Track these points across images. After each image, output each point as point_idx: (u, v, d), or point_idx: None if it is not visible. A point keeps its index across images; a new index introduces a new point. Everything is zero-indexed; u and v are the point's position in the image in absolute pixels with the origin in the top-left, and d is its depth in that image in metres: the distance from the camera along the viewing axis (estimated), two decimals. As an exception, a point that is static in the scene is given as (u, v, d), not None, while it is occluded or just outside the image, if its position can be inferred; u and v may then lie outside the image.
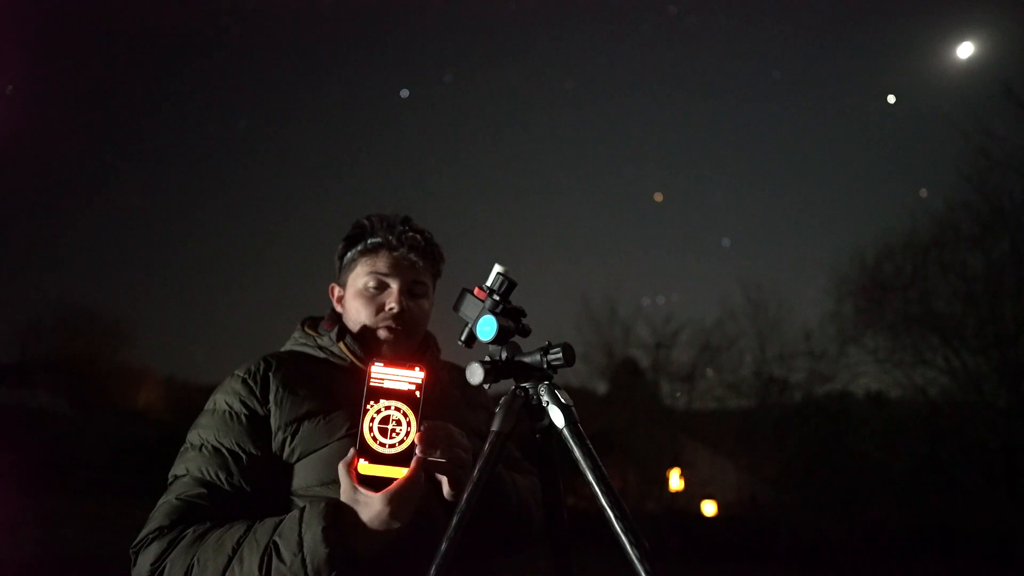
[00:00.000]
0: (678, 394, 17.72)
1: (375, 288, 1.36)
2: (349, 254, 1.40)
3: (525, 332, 1.22)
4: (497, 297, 1.19)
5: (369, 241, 1.37)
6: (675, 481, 16.57)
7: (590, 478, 1.05)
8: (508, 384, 1.18)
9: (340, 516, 1.07)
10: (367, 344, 1.36)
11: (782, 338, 15.98)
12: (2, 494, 12.20)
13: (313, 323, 1.46)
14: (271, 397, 1.26)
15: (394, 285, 1.36)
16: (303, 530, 1.05)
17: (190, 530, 1.12)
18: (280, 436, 1.23)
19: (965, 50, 13.30)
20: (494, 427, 1.12)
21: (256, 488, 1.19)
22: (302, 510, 1.09)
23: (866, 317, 13.90)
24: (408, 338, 1.39)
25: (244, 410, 1.25)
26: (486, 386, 1.16)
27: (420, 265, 1.39)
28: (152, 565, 1.11)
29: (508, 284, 1.19)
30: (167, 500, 1.18)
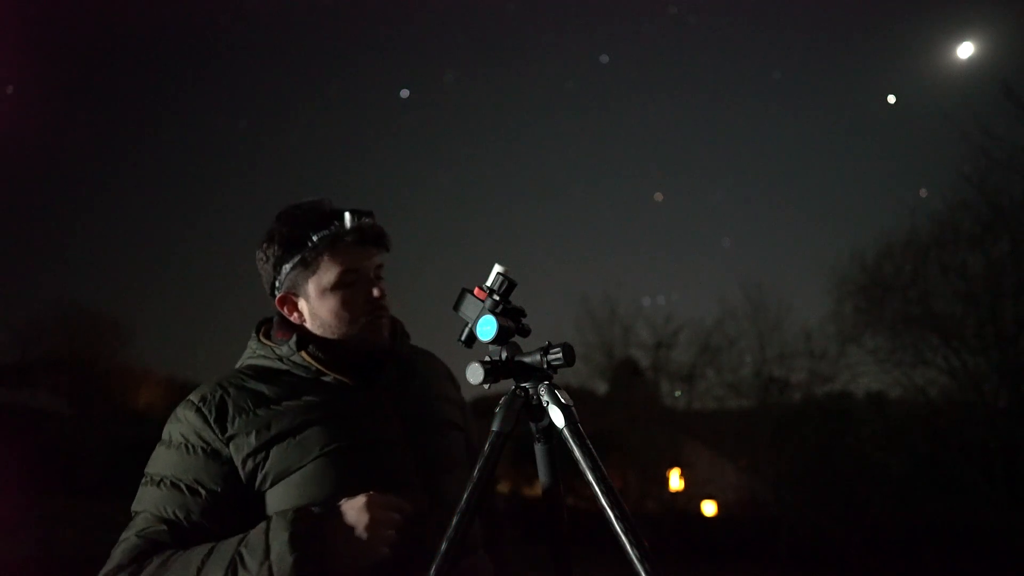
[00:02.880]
0: (678, 393, 17.73)
1: (348, 284, 1.26)
2: (296, 256, 1.25)
3: (525, 332, 1.22)
4: (497, 297, 1.18)
5: (318, 236, 1.23)
6: (675, 481, 16.58)
7: (590, 478, 1.05)
8: (508, 384, 1.18)
9: (309, 525, 1.05)
10: (332, 350, 1.28)
11: (782, 338, 15.98)
12: (2, 494, 12.19)
13: (268, 330, 1.36)
14: (230, 426, 1.18)
15: (366, 273, 1.29)
16: (270, 538, 1.03)
17: (152, 561, 1.08)
18: (249, 464, 1.16)
19: (965, 50, 13.30)
20: (494, 427, 1.12)
21: (220, 524, 1.13)
22: (268, 520, 1.08)
23: (866, 317, 13.89)
24: (388, 327, 1.35)
25: (201, 443, 1.18)
26: (486, 386, 1.16)
27: (377, 248, 1.31)
28: None
29: (508, 284, 1.19)
30: (127, 537, 1.13)
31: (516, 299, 1.21)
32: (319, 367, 1.26)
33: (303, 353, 1.26)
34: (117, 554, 1.11)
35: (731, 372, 16.71)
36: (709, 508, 16.42)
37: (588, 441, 1.08)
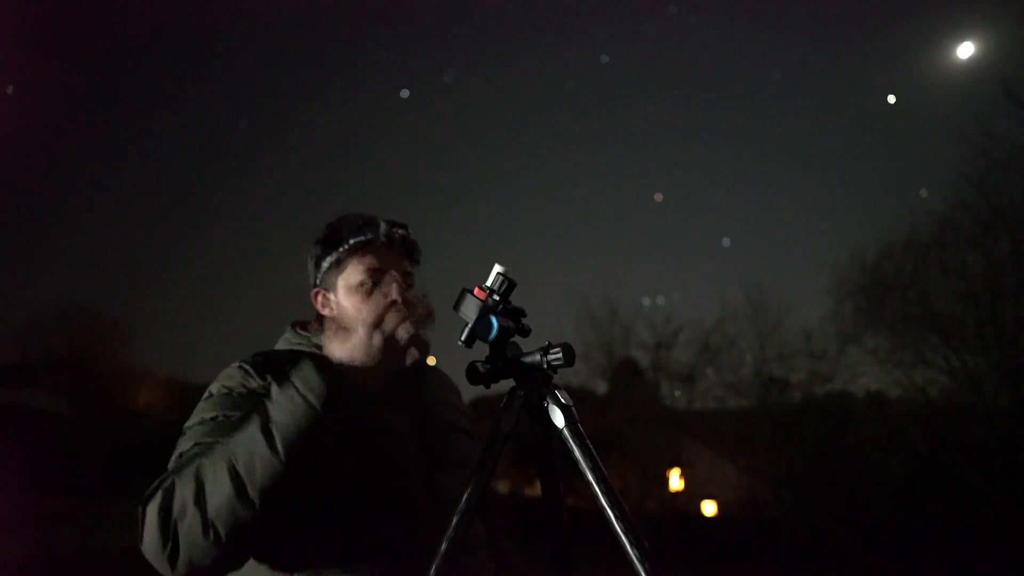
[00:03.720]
0: (677, 393, 17.75)
1: (372, 284, 1.35)
2: (332, 256, 1.39)
3: (525, 332, 1.22)
4: (497, 297, 1.19)
5: (353, 240, 1.37)
6: (675, 481, 16.59)
7: (590, 478, 1.04)
8: (508, 384, 1.19)
9: (323, 356, 1.13)
10: None
11: (782, 338, 16.01)
12: (2, 494, 12.20)
13: (304, 325, 1.46)
14: (275, 377, 1.23)
15: (391, 278, 1.36)
16: (292, 377, 1.08)
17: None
18: None
19: (965, 50, 13.32)
20: (493, 427, 1.12)
21: None
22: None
23: (866, 317, 13.91)
24: None
25: (243, 388, 1.25)
26: (486, 386, 1.16)
27: (407, 258, 1.42)
28: (160, 507, 1.05)
29: (508, 284, 1.19)
30: (170, 465, 1.19)
31: (516, 299, 1.21)
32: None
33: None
34: (161, 476, 1.14)
35: (731, 372, 16.74)
36: (709, 508, 16.43)
37: (588, 441, 1.08)
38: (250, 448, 1.03)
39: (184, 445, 1.20)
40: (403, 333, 1.28)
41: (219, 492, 1.01)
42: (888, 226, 19.65)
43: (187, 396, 24.49)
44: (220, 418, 1.20)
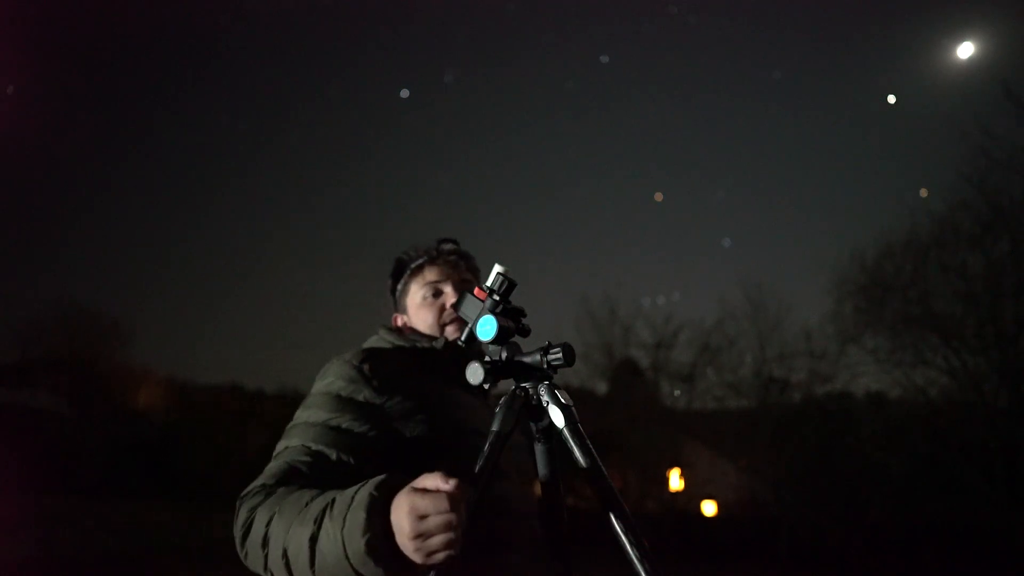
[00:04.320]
0: (677, 392, 17.75)
1: (432, 296, 1.53)
2: (400, 284, 1.59)
3: (525, 332, 1.22)
4: (497, 297, 1.19)
5: (414, 264, 1.57)
6: (675, 481, 16.58)
7: (590, 478, 1.05)
8: (508, 384, 1.19)
9: (388, 493, 0.99)
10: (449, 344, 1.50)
11: (782, 338, 16.00)
12: (2, 494, 12.19)
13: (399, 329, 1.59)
14: (384, 385, 1.31)
15: (447, 288, 1.53)
16: (357, 493, 1.00)
17: (283, 487, 1.15)
18: (396, 422, 1.28)
19: (965, 50, 13.32)
20: (494, 427, 1.12)
21: (361, 465, 1.21)
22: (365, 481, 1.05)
23: (866, 317, 13.90)
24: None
25: (356, 393, 1.29)
26: (486, 386, 1.16)
27: (462, 266, 1.57)
28: (248, 512, 1.14)
29: (508, 284, 1.19)
30: (275, 463, 1.22)
31: (516, 299, 1.22)
32: (444, 364, 1.43)
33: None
34: (265, 474, 1.19)
35: (731, 372, 16.74)
36: (709, 508, 16.43)
37: (588, 441, 1.08)
38: (298, 548, 1.04)
39: (292, 440, 1.25)
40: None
41: (275, 550, 1.07)
42: (888, 226, 19.62)
43: (187, 396, 24.52)
44: (329, 424, 1.25)
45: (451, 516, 0.93)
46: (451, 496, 0.93)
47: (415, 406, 1.32)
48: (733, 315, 16.72)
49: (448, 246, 1.59)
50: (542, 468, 1.20)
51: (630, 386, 18.27)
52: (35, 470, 13.39)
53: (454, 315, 1.48)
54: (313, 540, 1.02)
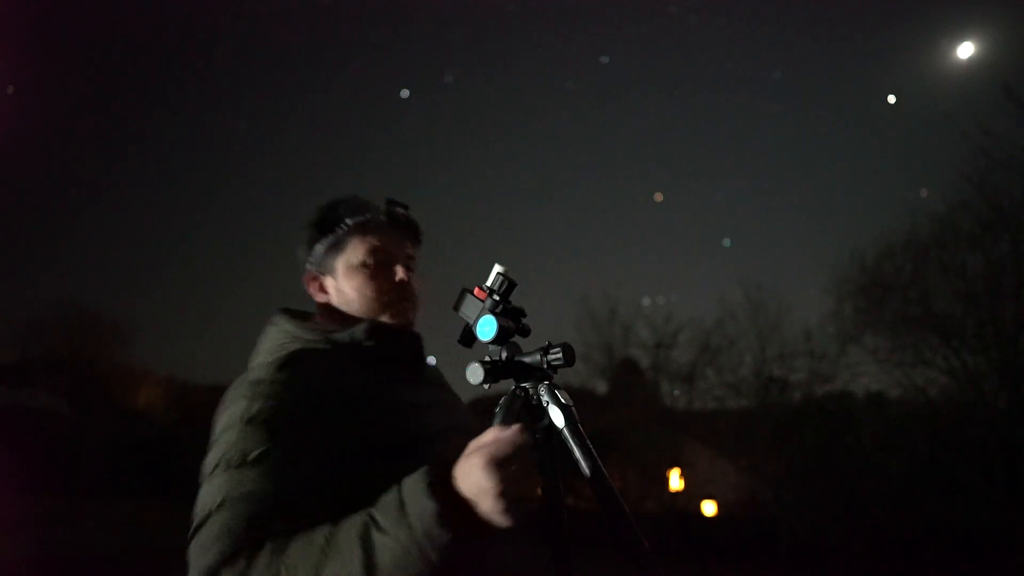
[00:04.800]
0: (677, 392, 17.74)
1: (375, 264, 1.29)
2: (329, 237, 1.29)
3: (525, 332, 1.22)
4: (497, 297, 1.19)
5: (353, 220, 1.28)
6: (675, 481, 16.58)
7: (590, 478, 1.05)
8: (508, 384, 1.19)
9: (445, 473, 0.92)
10: (383, 339, 1.26)
11: (782, 338, 16.00)
12: (2, 494, 12.19)
13: (300, 316, 1.32)
14: (307, 400, 1.11)
15: (395, 258, 1.32)
16: (403, 495, 0.91)
17: (265, 546, 0.93)
18: (326, 441, 1.08)
19: (965, 50, 13.33)
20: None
21: (312, 497, 1.02)
22: (398, 483, 0.94)
23: (866, 317, 13.90)
24: (413, 314, 1.33)
25: (282, 413, 1.08)
26: (486, 386, 1.16)
27: (409, 239, 1.36)
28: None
29: (508, 284, 1.19)
30: (219, 521, 0.97)
31: (516, 299, 1.21)
32: (376, 356, 1.24)
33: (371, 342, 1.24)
34: (210, 548, 0.94)
35: (731, 372, 16.73)
36: (709, 508, 16.42)
37: (588, 441, 1.08)
38: (342, 572, 0.88)
39: (215, 494, 0.99)
40: (403, 319, 1.30)
41: None
42: (888, 226, 19.61)
43: (187, 396, 24.50)
44: (265, 457, 1.01)
45: (529, 457, 0.92)
46: (523, 438, 0.92)
47: (348, 420, 1.11)
48: (733, 315, 16.72)
49: (403, 212, 1.34)
50: (542, 468, 1.20)
51: (630, 386, 18.27)
52: (35, 470, 13.40)
53: (405, 293, 1.30)
54: (370, 567, 0.87)
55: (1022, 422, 11.08)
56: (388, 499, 0.92)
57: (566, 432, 1.09)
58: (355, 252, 1.29)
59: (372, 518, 0.91)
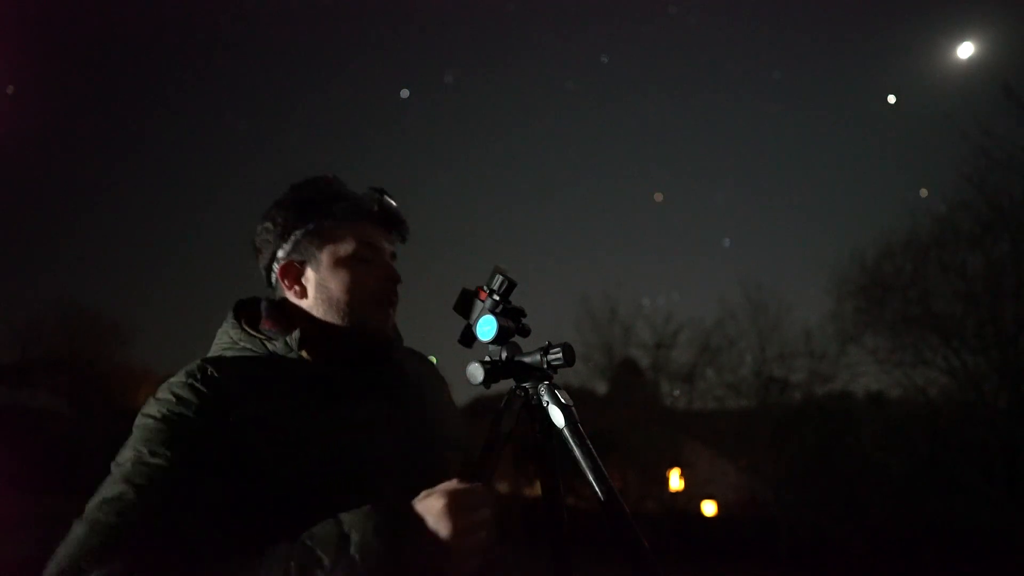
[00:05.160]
0: (676, 392, 17.75)
1: (367, 258, 1.17)
2: (312, 223, 1.15)
3: (525, 332, 1.22)
4: (497, 297, 1.18)
5: (341, 207, 1.15)
6: (675, 481, 16.58)
7: (590, 478, 1.05)
8: (508, 384, 1.18)
9: (391, 516, 0.86)
10: (332, 345, 1.16)
11: (782, 338, 16.01)
12: (2, 494, 12.19)
13: (250, 318, 1.18)
14: (227, 403, 1.00)
15: (385, 255, 1.21)
16: (346, 527, 0.84)
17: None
18: (241, 452, 0.97)
19: (965, 50, 13.34)
20: (494, 427, 1.12)
21: (200, 518, 0.91)
22: (335, 517, 0.86)
23: (866, 317, 13.90)
24: (394, 315, 1.24)
25: (191, 412, 0.98)
26: (486, 386, 1.16)
27: (398, 235, 1.25)
28: None
29: (508, 284, 1.18)
30: (83, 529, 0.88)
31: (516, 299, 1.21)
32: (315, 366, 1.13)
33: (304, 353, 1.12)
34: (76, 546, 0.84)
35: (731, 372, 16.74)
36: (709, 508, 16.42)
37: (588, 441, 1.08)
38: None
39: (110, 489, 0.91)
40: (387, 320, 1.20)
41: None
42: (888, 226, 19.66)
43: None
44: (159, 459, 0.92)
45: (490, 511, 0.88)
46: (486, 492, 0.89)
47: (260, 442, 0.98)
48: (733, 315, 16.74)
49: (391, 203, 1.20)
50: (542, 468, 1.20)
51: (630, 386, 18.27)
52: (35, 470, 13.39)
53: (394, 293, 1.20)
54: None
55: (1022, 422, 11.08)
56: (325, 530, 0.84)
57: (566, 432, 1.09)
58: (345, 244, 1.15)
59: (306, 549, 0.82)
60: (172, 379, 1.04)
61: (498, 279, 1.19)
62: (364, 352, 1.19)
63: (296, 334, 1.11)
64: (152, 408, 0.99)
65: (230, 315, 1.18)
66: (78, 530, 0.87)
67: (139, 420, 0.99)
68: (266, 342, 1.12)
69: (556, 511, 1.19)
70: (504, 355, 1.16)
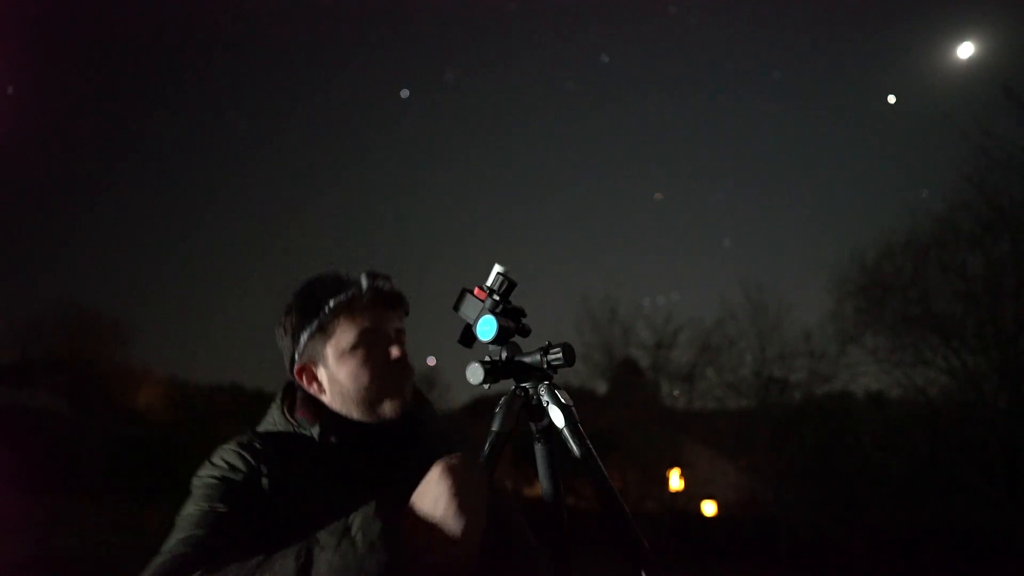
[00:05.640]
0: (676, 392, 17.76)
1: (366, 346, 1.21)
2: (313, 323, 1.21)
3: (525, 332, 1.22)
4: (497, 297, 1.18)
5: (335, 301, 1.20)
6: (675, 481, 16.59)
7: (590, 478, 1.05)
8: (508, 384, 1.18)
9: (389, 507, 0.91)
10: (353, 434, 1.22)
11: (782, 338, 16.02)
12: (2, 494, 12.20)
13: (292, 403, 1.28)
14: (267, 473, 1.12)
15: (385, 334, 1.23)
16: (349, 518, 0.90)
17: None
18: (269, 518, 1.07)
19: (965, 50, 13.34)
20: (494, 427, 1.12)
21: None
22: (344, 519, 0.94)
23: (866, 317, 13.91)
24: (410, 390, 1.25)
25: (237, 475, 1.11)
26: (486, 386, 1.15)
27: (398, 312, 1.27)
28: None
29: (508, 284, 1.18)
30: (155, 563, 0.99)
31: (516, 299, 1.21)
32: (334, 450, 1.21)
33: (330, 438, 1.22)
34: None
35: (731, 372, 16.76)
36: (709, 508, 16.43)
37: (588, 441, 1.08)
38: None
39: (171, 540, 1.02)
40: (402, 398, 1.21)
41: None
42: (888, 226, 19.65)
43: (187, 396, 24.52)
44: (208, 511, 1.05)
45: (482, 478, 0.94)
46: (474, 461, 0.94)
47: (296, 504, 1.10)
48: (733, 315, 16.75)
49: (386, 284, 1.23)
50: (542, 468, 1.19)
51: (630, 386, 18.29)
52: (35, 470, 13.40)
53: (403, 372, 1.23)
54: (305, 567, 0.86)
55: (1022, 422, 11.09)
56: (331, 526, 0.91)
57: (566, 432, 1.09)
58: (344, 335, 1.20)
59: (313, 538, 0.90)
60: (226, 445, 1.19)
61: (498, 279, 1.19)
62: (383, 432, 1.24)
63: (317, 428, 1.21)
64: (209, 470, 1.15)
65: (278, 397, 1.30)
66: (158, 560, 0.99)
67: (198, 481, 1.14)
68: (298, 428, 1.23)
69: (556, 511, 1.19)
70: (504, 355, 1.16)
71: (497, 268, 1.20)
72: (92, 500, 15.34)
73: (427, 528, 0.89)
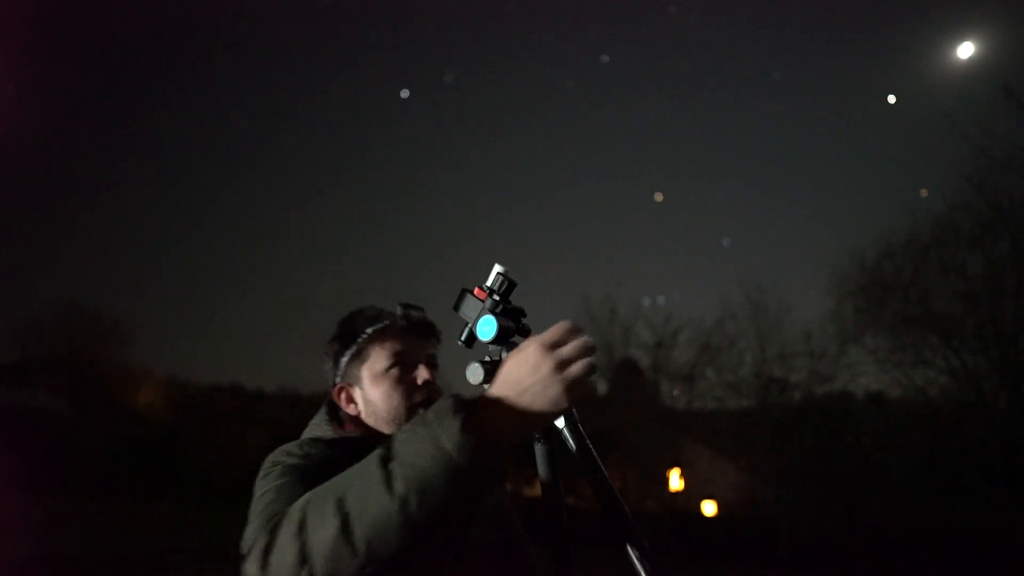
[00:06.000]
0: (676, 392, 17.76)
1: (398, 369, 1.33)
2: (351, 348, 1.35)
3: (525, 332, 1.22)
4: (497, 297, 1.18)
5: (371, 329, 1.35)
6: (675, 481, 16.59)
7: (590, 478, 1.04)
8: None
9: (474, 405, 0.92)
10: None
11: (782, 338, 16.03)
12: (2, 494, 12.21)
13: (337, 417, 1.40)
14: (311, 475, 1.16)
15: (416, 360, 1.35)
16: (432, 421, 0.88)
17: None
18: None
19: (965, 50, 13.35)
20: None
21: None
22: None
23: (866, 317, 13.91)
24: None
25: (306, 462, 1.20)
26: (486, 386, 1.15)
27: (433, 341, 1.40)
28: (267, 535, 0.90)
29: (508, 284, 1.18)
30: (258, 521, 1.08)
31: (516, 299, 1.21)
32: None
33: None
34: (252, 534, 1.03)
35: (731, 372, 16.76)
36: (709, 508, 16.43)
37: (588, 441, 1.08)
38: (365, 484, 0.87)
39: (263, 503, 1.12)
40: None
41: (322, 528, 0.86)
42: (888, 226, 19.67)
43: (187, 396, 24.53)
44: (289, 485, 1.14)
45: (587, 339, 0.91)
46: (572, 328, 0.92)
47: None
48: (733, 315, 16.76)
49: (417, 314, 1.38)
50: (542, 468, 1.19)
51: (630, 386, 18.28)
52: (35, 470, 13.41)
53: (431, 394, 1.33)
54: (388, 481, 0.85)
55: (1022, 422, 11.09)
56: (404, 433, 0.92)
57: (566, 432, 1.09)
58: (378, 359, 1.34)
59: (389, 447, 0.90)
60: (286, 446, 1.28)
61: (498, 279, 1.19)
62: None
63: (364, 433, 1.33)
64: (274, 460, 1.23)
65: (324, 411, 1.40)
66: (255, 522, 1.09)
67: (266, 470, 1.22)
68: (344, 435, 1.34)
69: (556, 511, 1.19)
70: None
71: (497, 268, 1.20)
72: (92, 500, 15.35)
73: (506, 399, 0.92)
